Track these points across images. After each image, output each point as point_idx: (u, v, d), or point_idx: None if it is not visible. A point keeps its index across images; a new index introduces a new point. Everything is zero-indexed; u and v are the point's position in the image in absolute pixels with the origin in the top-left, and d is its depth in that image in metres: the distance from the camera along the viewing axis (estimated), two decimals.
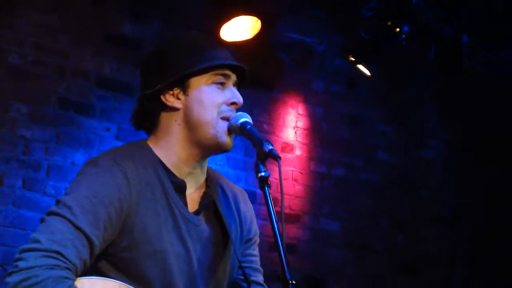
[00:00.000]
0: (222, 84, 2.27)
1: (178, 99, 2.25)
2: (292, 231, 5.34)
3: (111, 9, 4.80)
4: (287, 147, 5.46)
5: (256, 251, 2.46)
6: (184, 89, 2.24)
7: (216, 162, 4.99)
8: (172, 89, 2.25)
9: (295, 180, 5.46)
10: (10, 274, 1.88)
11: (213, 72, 2.25)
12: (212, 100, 2.23)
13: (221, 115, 2.23)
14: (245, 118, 2.22)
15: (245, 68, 2.32)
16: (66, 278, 1.89)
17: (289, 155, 5.45)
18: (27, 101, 4.42)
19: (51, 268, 1.88)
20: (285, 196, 5.31)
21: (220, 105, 2.24)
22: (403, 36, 4.99)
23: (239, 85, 2.35)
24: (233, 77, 2.31)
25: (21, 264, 1.88)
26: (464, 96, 5.93)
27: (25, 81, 4.43)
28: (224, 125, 2.23)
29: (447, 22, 5.22)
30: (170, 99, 2.25)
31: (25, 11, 4.49)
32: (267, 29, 4.87)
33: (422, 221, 5.94)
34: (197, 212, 2.26)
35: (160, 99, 2.25)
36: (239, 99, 2.27)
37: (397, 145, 5.99)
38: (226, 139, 2.23)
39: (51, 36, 4.56)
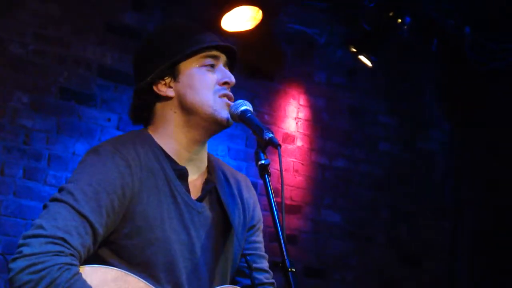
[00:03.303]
0: (212, 65, 2.26)
1: (170, 87, 2.24)
2: (293, 222, 5.34)
3: None
4: (288, 138, 5.45)
5: (260, 238, 2.45)
6: (175, 76, 2.24)
7: (217, 153, 4.98)
8: (163, 79, 2.24)
9: (296, 171, 5.45)
10: (14, 260, 1.87)
11: (201, 55, 2.25)
12: (203, 83, 2.23)
13: (216, 94, 2.23)
14: (246, 106, 2.20)
15: (233, 48, 2.32)
16: (71, 264, 1.89)
17: (290, 146, 5.45)
18: (28, 90, 4.41)
19: (56, 255, 1.88)
20: (286, 187, 5.30)
21: (213, 86, 2.23)
22: (405, 27, 4.98)
23: (230, 66, 2.35)
24: (223, 57, 2.31)
25: (25, 250, 1.87)
26: (467, 88, 5.91)
27: (26, 70, 4.43)
28: (221, 101, 2.22)
29: (449, 13, 5.21)
30: (162, 88, 2.24)
31: (26, 0, 4.48)
32: (268, 20, 4.85)
33: (424, 213, 5.93)
34: (200, 199, 2.25)
35: (152, 90, 2.24)
36: (231, 78, 2.27)
37: (399, 136, 5.98)
38: (224, 114, 2.22)
39: (52, 26, 4.54)
